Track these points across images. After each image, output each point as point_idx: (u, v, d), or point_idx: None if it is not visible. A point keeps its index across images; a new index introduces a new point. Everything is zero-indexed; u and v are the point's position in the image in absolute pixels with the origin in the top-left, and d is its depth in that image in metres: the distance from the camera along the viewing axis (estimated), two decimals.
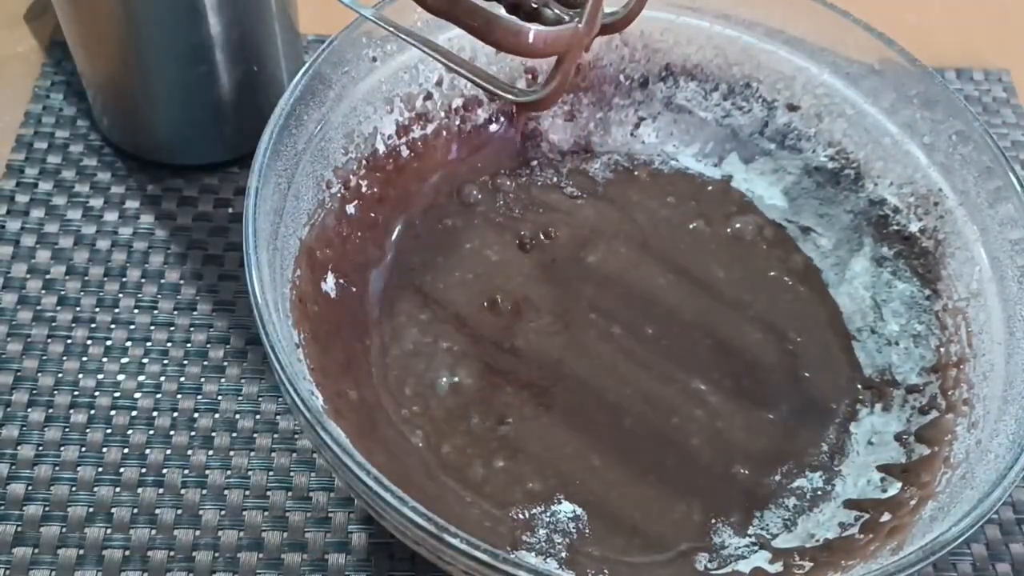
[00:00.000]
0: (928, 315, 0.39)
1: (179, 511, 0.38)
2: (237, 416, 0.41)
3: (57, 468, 0.39)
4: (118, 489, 0.39)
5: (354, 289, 0.39)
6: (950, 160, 0.39)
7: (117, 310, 0.43)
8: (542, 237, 0.42)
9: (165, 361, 0.42)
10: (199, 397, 0.41)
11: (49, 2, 0.44)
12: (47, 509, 0.38)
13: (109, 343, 0.42)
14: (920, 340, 0.39)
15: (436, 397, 0.37)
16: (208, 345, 0.43)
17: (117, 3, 0.41)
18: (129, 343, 0.42)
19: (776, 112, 0.44)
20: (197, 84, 0.44)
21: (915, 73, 0.40)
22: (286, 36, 0.46)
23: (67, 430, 0.40)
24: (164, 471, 0.39)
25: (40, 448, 0.39)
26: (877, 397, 0.39)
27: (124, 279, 0.44)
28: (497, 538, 0.34)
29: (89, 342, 0.42)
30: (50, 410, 0.40)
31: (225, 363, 0.42)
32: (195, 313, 0.43)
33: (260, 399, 0.41)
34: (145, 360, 0.42)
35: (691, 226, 0.43)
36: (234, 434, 0.40)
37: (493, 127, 0.44)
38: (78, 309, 0.43)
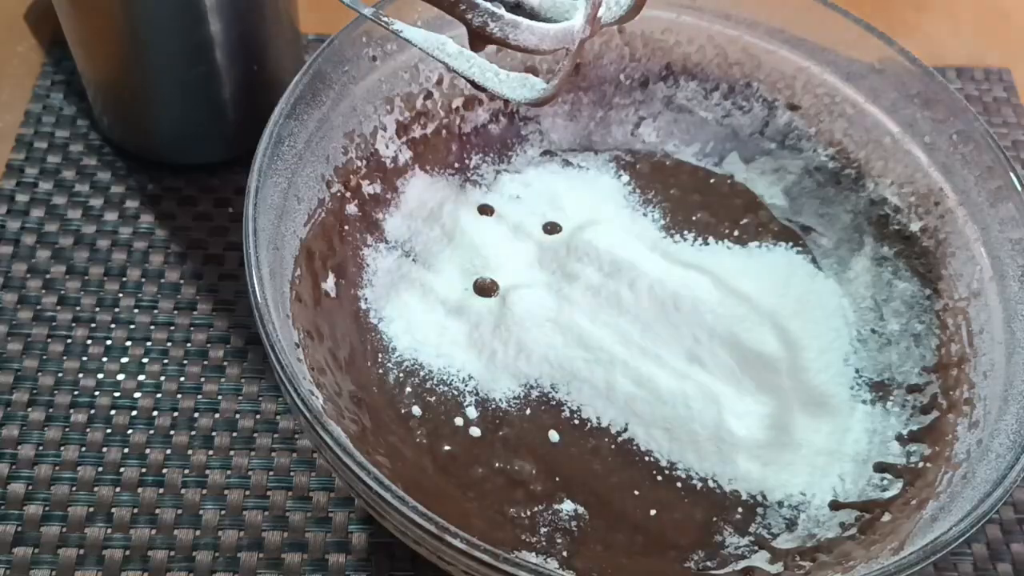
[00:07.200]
0: (929, 314, 0.39)
1: (179, 511, 0.38)
2: (237, 416, 0.41)
3: (57, 468, 0.39)
4: (118, 489, 0.39)
5: (354, 288, 0.39)
6: (951, 159, 0.39)
7: (117, 310, 0.43)
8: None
9: (165, 361, 0.42)
10: (199, 397, 0.41)
11: (49, 2, 0.44)
12: (47, 509, 0.38)
13: (109, 343, 0.42)
14: (921, 339, 0.39)
15: (437, 396, 0.37)
16: (208, 345, 0.43)
17: (117, 3, 0.41)
18: (129, 343, 0.42)
19: (777, 111, 0.44)
20: (197, 84, 0.44)
21: (916, 72, 0.40)
22: (286, 35, 0.46)
23: (67, 430, 0.40)
24: (164, 471, 0.39)
25: (40, 448, 0.39)
26: (878, 396, 0.39)
27: (124, 279, 0.44)
28: (498, 537, 0.34)
29: (89, 342, 0.42)
30: (50, 410, 0.40)
31: (225, 363, 0.42)
32: (195, 313, 0.43)
33: (260, 399, 0.41)
34: (145, 360, 0.42)
35: (693, 218, 0.43)
36: (234, 434, 0.40)
37: (493, 126, 0.44)
38: (78, 309, 0.43)
